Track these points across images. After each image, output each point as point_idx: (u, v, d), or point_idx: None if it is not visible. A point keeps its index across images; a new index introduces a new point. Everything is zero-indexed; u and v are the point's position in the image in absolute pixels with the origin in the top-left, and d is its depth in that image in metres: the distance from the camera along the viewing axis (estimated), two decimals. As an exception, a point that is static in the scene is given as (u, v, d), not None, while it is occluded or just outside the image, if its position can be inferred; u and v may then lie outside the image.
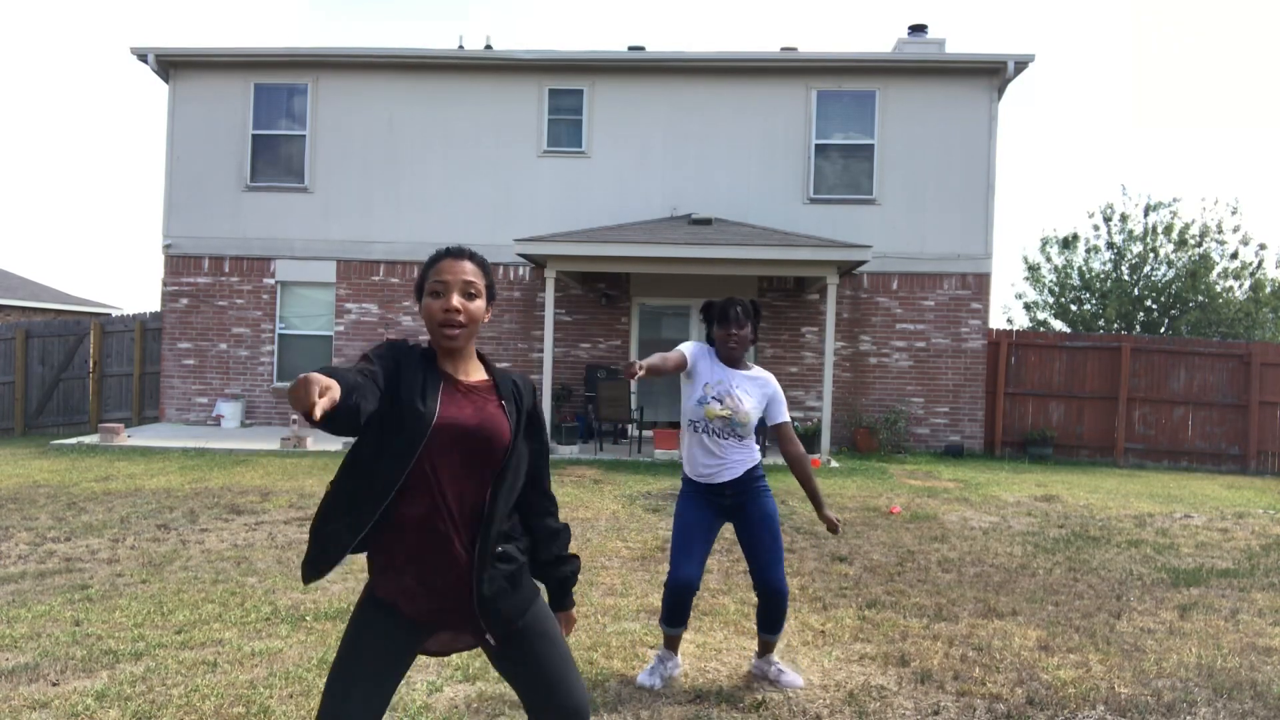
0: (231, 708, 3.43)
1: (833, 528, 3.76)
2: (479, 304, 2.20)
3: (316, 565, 2.13)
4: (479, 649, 2.20)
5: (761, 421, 3.87)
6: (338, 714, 2.10)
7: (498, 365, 2.36)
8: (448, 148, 14.49)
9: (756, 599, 3.89)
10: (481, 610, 2.14)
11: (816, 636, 4.52)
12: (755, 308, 3.88)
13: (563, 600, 2.45)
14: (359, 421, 1.92)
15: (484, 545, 2.15)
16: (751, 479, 3.81)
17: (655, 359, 3.49)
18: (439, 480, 2.12)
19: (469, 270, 2.19)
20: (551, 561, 2.38)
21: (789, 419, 3.88)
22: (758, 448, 3.89)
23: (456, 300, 2.16)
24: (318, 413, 1.67)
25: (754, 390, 3.82)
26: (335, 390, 1.75)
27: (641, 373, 3.20)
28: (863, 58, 14.13)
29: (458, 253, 2.23)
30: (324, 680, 3.71)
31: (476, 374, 2.27)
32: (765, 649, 3.94)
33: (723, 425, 3.75)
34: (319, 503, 2.18)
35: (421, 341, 2.29)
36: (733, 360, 3.84)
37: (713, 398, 3.76)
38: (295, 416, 12.62)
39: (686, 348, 3.80)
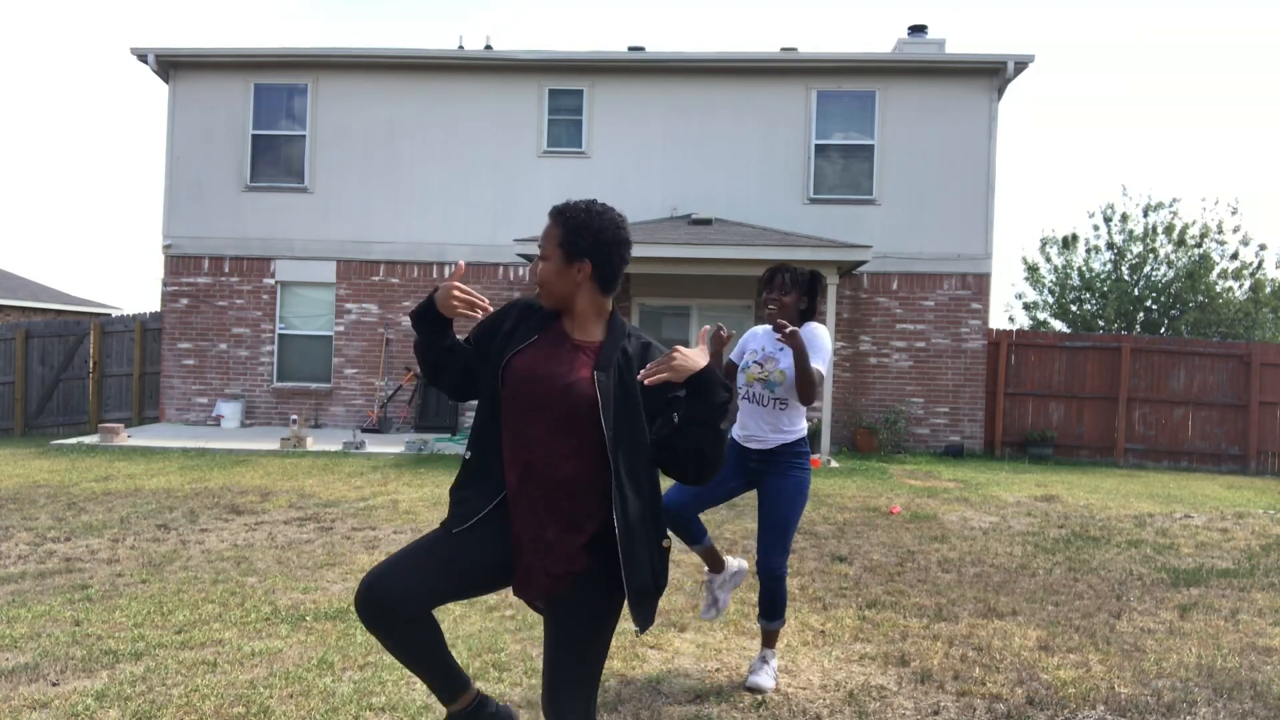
0: (231, 708, 3.43)
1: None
2: (545, 266, 2.21)
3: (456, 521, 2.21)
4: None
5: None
6: (394, 567, 2.15)
7: (630, 329, 2.24)
8: (448, 148, 14.49)
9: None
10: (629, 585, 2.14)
11: (816, 636, 4.52)
12: (813, 278, 3.79)
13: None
14: (451, 375, 2.23)
15: (622, 520, 2.08)
16: (782, 453, 3.78)
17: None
18: (529, 440, 2.09)
19: (546, 232, 2.23)
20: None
21: (818, 368, 3.65)
22: (804, 424, 3.83)
23: (540, 266, 2.22)
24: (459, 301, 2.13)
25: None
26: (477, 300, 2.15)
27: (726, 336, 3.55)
28: (862, 58, 14.13)
29: (552, 211, 2.25)
30: (324, 680, 3.72)
31: (594, 334, 2.20)
32: (764, 639, 3.90)
33: (761, 388, 3.78)
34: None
35: None
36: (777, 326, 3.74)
37: (755, 362, 3.84)
38: (295, 416, 12.61)
39: (734, 347, 4.02)
